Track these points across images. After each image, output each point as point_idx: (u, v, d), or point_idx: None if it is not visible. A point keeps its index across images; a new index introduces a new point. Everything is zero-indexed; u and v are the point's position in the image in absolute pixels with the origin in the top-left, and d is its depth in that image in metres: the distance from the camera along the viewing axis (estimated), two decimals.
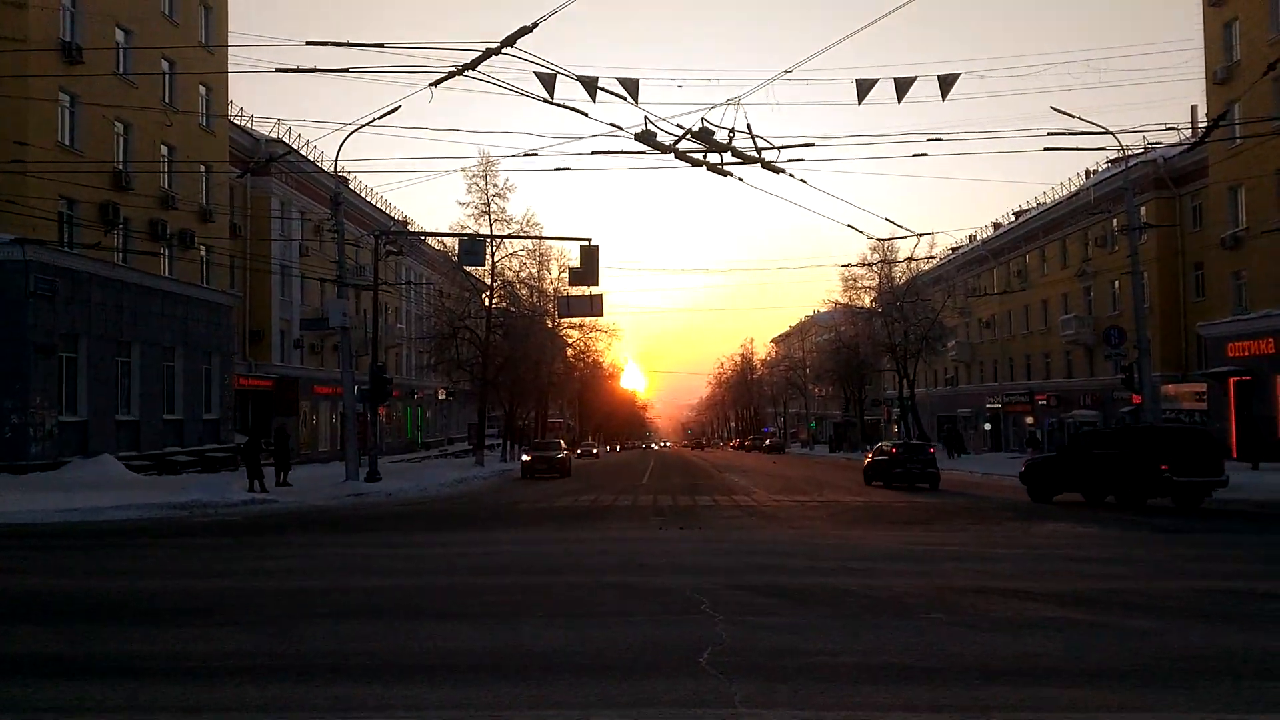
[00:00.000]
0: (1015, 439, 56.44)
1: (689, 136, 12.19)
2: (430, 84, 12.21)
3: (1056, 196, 50.91)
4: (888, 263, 52.98)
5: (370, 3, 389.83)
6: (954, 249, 66.42)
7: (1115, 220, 45.02)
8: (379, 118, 20.31)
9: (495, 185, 42.29)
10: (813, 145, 12.72)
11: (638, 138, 12.21)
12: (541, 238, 41.16)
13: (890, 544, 13.79)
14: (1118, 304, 44.83)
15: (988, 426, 60.66)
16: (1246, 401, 34.67)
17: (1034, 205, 55.84)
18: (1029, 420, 54.48)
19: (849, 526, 16.79)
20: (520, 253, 45.07)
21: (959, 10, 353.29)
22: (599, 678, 6.11)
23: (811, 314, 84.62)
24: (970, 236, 64.67)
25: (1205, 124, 37.96)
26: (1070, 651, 6.87)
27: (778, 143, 12.63)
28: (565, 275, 57.31)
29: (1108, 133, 20.90)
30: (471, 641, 7.25)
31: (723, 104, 11.98)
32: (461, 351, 43.94)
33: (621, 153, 13.16)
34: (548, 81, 12.17)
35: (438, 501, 22.98)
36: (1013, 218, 57.89)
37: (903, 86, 17.34)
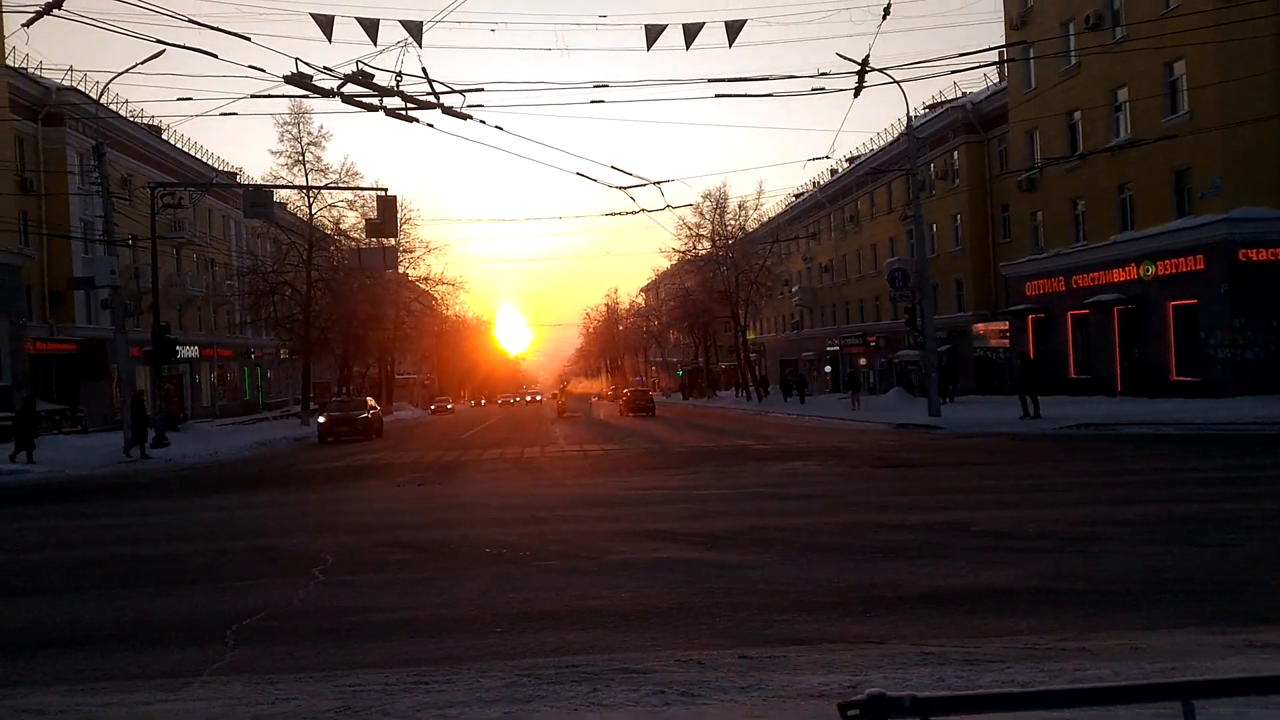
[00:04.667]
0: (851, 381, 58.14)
1: (355, 81, 11.71)
2: (23, 24, 11.39)
3: (883, 142, 52.06)
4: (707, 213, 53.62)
5: None
6: (797, 195, 67.50)
7: (933, 166, 46.47)
8: (142, 63, 19.10)
9: (310, 133, 40.67)
10: (482, 90, 12.42)
11: (288, 80, 11.68)
12: (332, 187, 39.70)
13: (614, 492, 13.88)
14: (935, 246, 46.30)
15: (828, 369, 62.30)
16: (1042, 337, 36.42)
17: (867, 152, 57.02)
18: (862, 362, 56.16)
19: (601, 474, 16.87)
20: (340, 204, 43.56)
21: None
22: (105, 650, 5.88)
23: (671, 264, 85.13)
24: (813, 183, 65.83)
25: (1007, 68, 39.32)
26: (639, 590, 6.95)
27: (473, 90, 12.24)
28: (403, 228, 56.30)
29: (873, 70, 21.15)
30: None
31: (395, 45, 11.55)
32: (280, 309, 42.35)
33: (281, 96, 12.62)
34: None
35: (211, 468, 22.14)
36: (846, 164, 59.04)
37: (691, 32, 17.28)
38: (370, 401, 35.09)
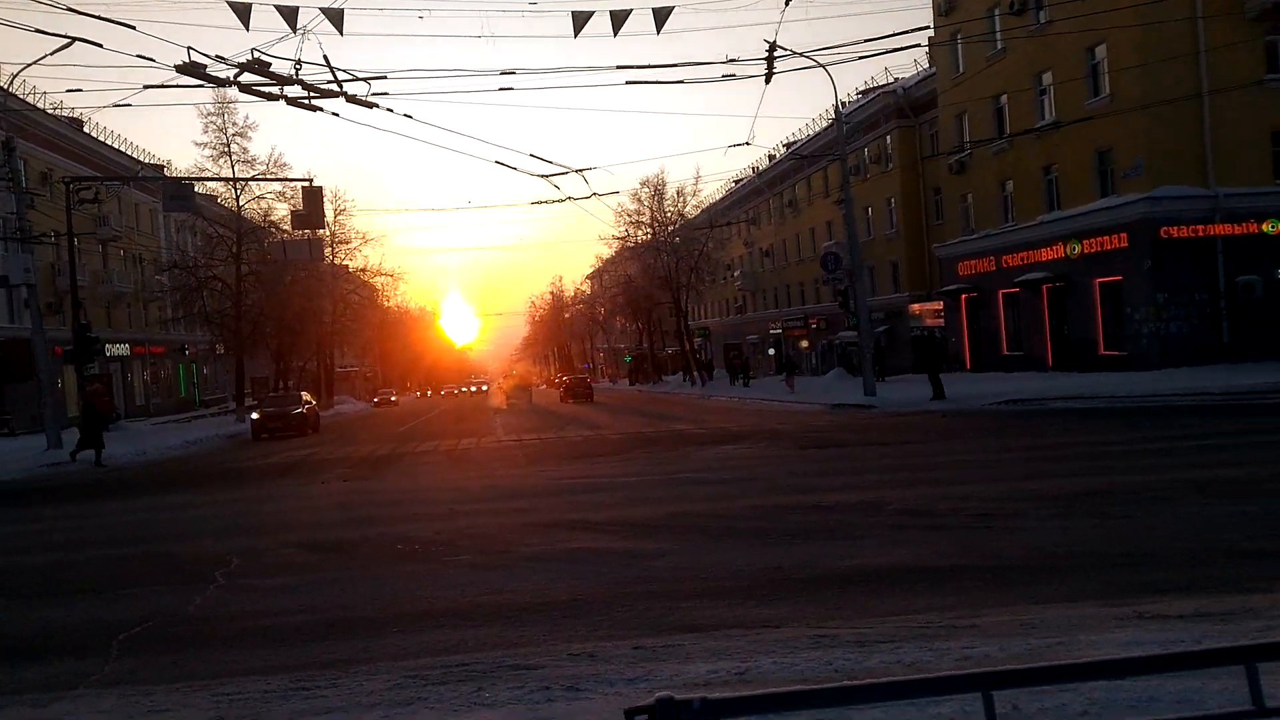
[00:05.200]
0: (795, 362, 58.55)
1: (251, 70, 11.38)
2: None
3: (817, 128, 52.35)
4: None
5: None
6: (737, 181, 67.64)
7: (867, 150, 46.85)
8: (52, 54, 18.43)
9: (235, 124, 39.74)
10: (385, 78, 12.15)
11: (180, 70, 11.31)
12: (258, 179, 38.86)
13: (540, 482, 13.77)
14: (871, 230, 46.75)
15: (771, 352, 62.67)
16: (975, 316, 36.96)
17: (803, 138, 57.29)
18: (804, 344, 56.58)
19: (532, 464, 16.73)
20: (269, 196, 42.67)
21: None
22: None
23: (613, 251, 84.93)
24: (753, 168, 66.01)
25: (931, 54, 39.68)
26: (545, 584, 6.85)
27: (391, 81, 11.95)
28: (339, 219, 55.39)
29: (791, 54, 21.24)
30: None
31: (294, 34, 11.24)
32: (210, 303, 41.39)
33: (176, 87, 12.24)
34: None
35: (135, 469, 21.57)
36: (784, 149, 59.29)
37: (619, 20, 17.19)
38: (306, 396, 34.42)
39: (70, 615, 6.84)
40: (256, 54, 11.18)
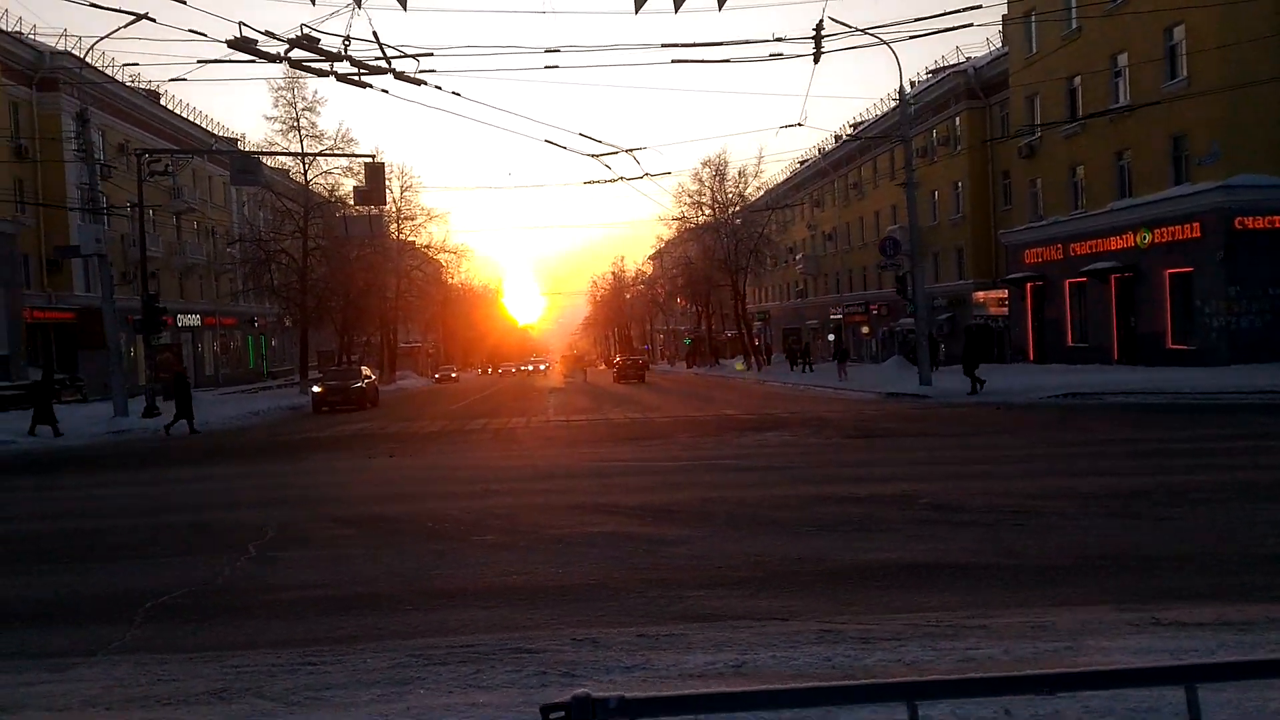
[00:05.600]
0: (855, 348, 57.90)
1: (301, 46, 11.53)
2: None
3: (885, 108, 51.41)
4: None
5: None
6: (802, 162, 66.86)
7: (935, 132, 45.91)
8: (129, 25, 18.87)
9: (305, 99, 40.44)
10: (432, 55, 12.21)
11: (231, 44, 11.53)
12: (324, 154, 39.49)
13: (579, 463, 13.86)
14: (936, 214, 45.89)
15: (831, 337, 62.00)
16: (1040, 306, 36.13)
17: (870, 118, 56.35)
18: (865, 330, 55.89)
19: (575, 445, 16.83)
20: (336, 171, 43.36)
21: None
22: (13, 629, 5.89)
23: (677, 232, 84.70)
24: (819, 150, 65.17)
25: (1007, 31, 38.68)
26: (564, 566, 6.91)
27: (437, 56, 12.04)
28: (405, 195, 56.08)
29: (857, 31, 20.87)
30: None
31: (346, 9, 11.34)
32: (277, 277, 42.31)
33: (229, 62, 12.45)
34: None
35: (195, 438, 22.20)
36: (850, 129, 58.41)
37: None
38: (366, 371, 35.00)
39: (105, 581, 7.09)
40: (306, 29, 11.37)
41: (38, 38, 38.69)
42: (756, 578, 6.54)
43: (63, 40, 39.49)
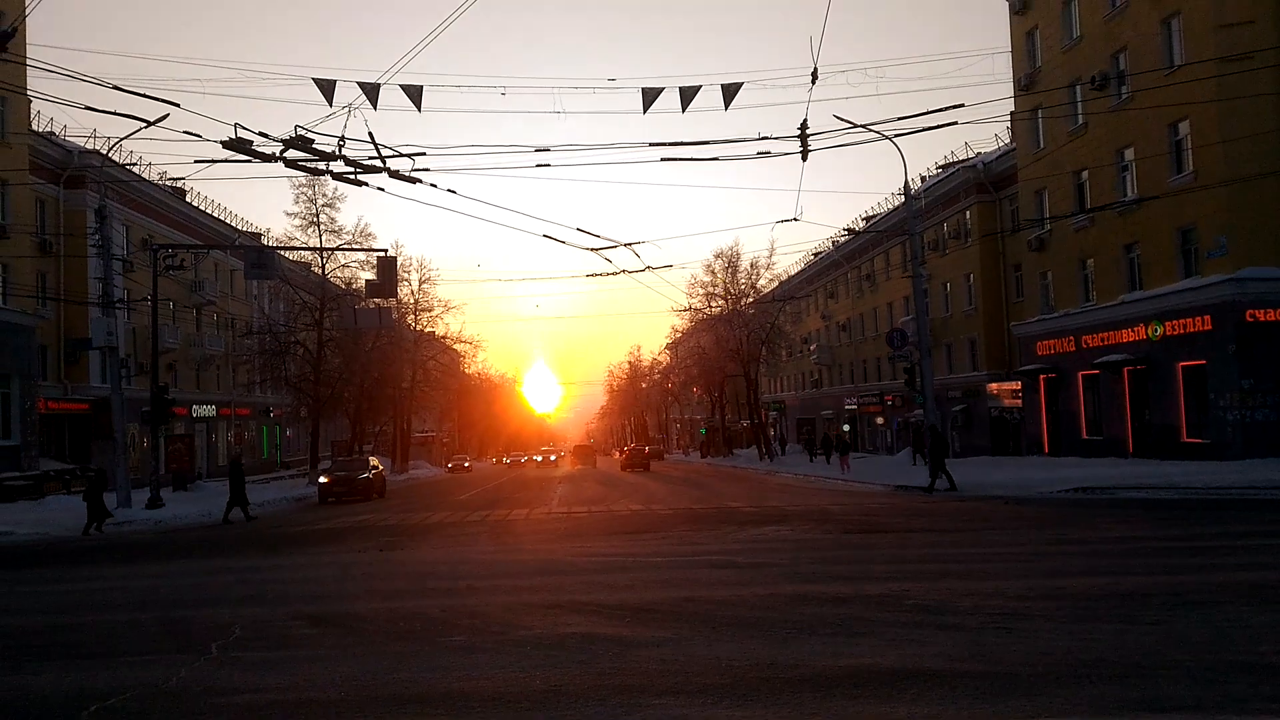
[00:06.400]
0: (870, 439, 57.45)
1: (295, 146, 11.80)
2: None
3: (897, 202, 51.94)
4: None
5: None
6: (816, 254, 67.39)
7: (946, 225, 46.28)
8: (145, 127, 19.44)
9: (325, 195, 41.35)
10: (424, 154, 12.47)
11: (226, 145, 11.80)
12: (338, 248, 40.19)
13: (568, 558, 13.61)
14: (949, 306, 45.93)
15: (846, 427, 61.60)
16: (1054, 398, 35.79)
17: (882, 212, 56.93)
18: (879, 421, 55.51)
19: (570, 539, 16.57)
20: (353, 264, 44.08)
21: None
22: None
23: (690, 322, 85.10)
24: (833, 242, 65.74)
25: (1016, 128, 39.24)
26: (526, 670, 6.68)
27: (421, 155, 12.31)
28: (423, 287, 56.79)
29: (859, 127, 21.11)
30: None
31: (341, 110, 11.64)
32: (291, 369, 42.68)
33: (224, 161, 12.73)
34: None
35: (195, 530, 22.09)
36: (862, 222, 58.99)
37: (649, 96, 17.66)
38: (373, 461, 34.94)
39: (56, 682, 6.90)
40: (300, 130, 11.65)
41: (68, 138, 39.95)
42: (722, 684, 6.29)
43: (92, 140, 40.70)
